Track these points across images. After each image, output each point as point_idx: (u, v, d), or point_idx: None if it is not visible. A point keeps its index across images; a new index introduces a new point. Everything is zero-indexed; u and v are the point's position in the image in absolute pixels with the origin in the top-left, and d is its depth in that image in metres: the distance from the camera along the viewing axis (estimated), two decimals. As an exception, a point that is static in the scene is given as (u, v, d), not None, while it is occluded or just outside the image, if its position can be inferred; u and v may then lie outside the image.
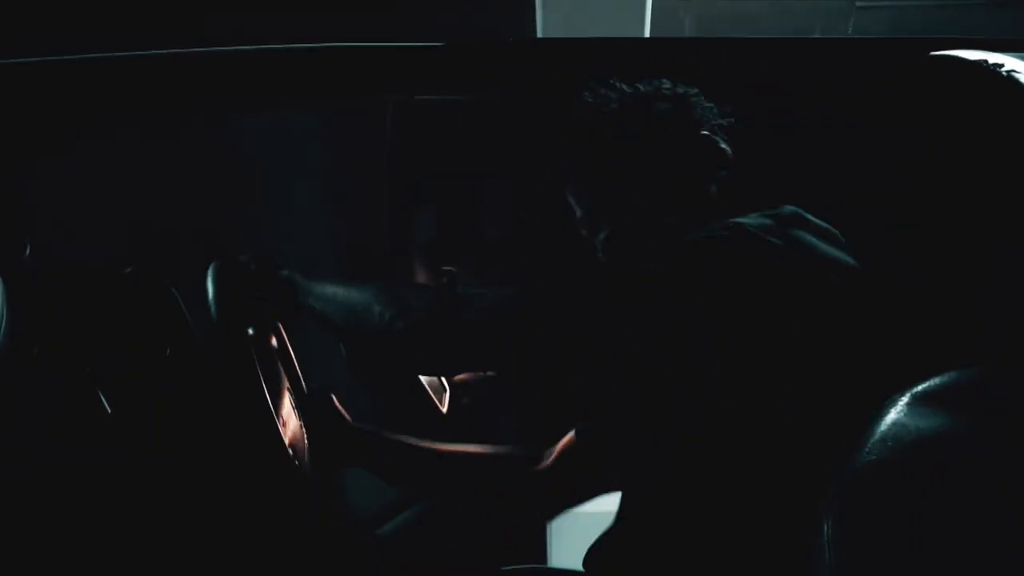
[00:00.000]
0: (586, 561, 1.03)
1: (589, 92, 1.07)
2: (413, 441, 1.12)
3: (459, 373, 1.32)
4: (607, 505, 1.06)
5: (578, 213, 1.08)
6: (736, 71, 1.32)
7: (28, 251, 1.06)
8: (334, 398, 1.14)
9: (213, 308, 1.01)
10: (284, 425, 1.02)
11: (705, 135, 1.05)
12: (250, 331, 1.05)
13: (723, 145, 1.06)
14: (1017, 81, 0.94)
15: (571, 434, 1.06)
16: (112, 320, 1.08)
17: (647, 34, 1.92)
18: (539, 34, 1.83)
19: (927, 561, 0.54)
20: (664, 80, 1.08)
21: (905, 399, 0.60)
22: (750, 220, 0.93)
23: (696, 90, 1.08)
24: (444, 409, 1.39)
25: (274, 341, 1.17)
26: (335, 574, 1.13)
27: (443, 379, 1.54)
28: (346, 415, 1.13)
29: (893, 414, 0.59)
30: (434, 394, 1.44)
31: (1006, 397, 0.58)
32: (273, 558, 1.02)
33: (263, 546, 1.02)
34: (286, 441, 0.99)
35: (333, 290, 1.11)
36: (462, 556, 1.31)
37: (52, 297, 1.03)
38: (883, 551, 0.56)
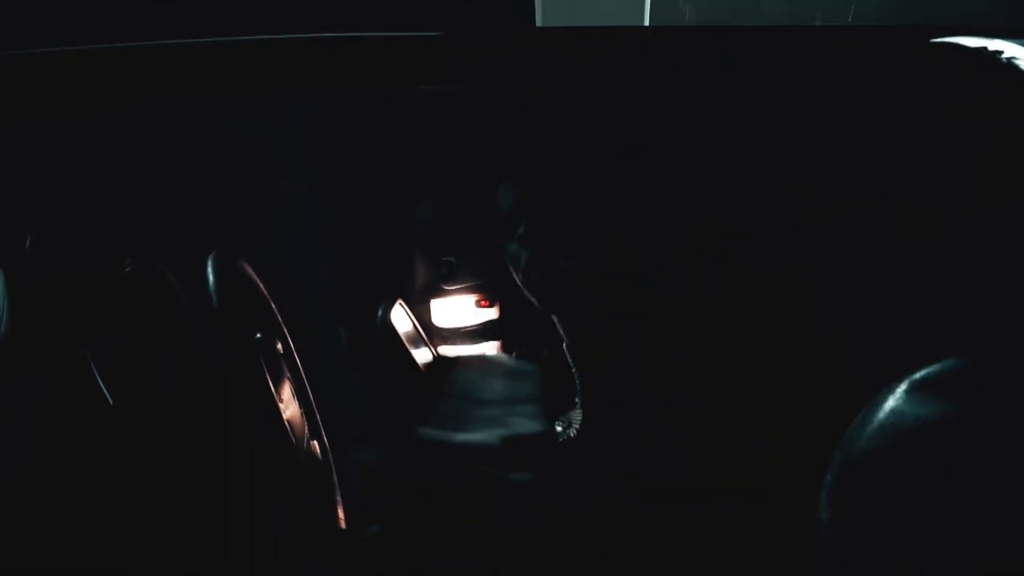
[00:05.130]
0: None
1: None
2: None
3: None
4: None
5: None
6: (736, 59, 1.31)
7: (29, 242, 1.06)
8: None
9: (214, 297, 1.02)
10: (284, 407, 1.03)
11: None
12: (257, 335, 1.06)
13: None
14: (1017, 68, 0.94)
15: None
16: (114, 313, 1.08)
17: (647, 22, 1.92)
18: (538, 23, 1.82)
19: (927, 548, 0.54)
20: None
21: (903, 386, 0.60)
22: None
23: None
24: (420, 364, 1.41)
25: (279, 346, 1.18)
26: (335, 563, 1.14)
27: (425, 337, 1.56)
28: None
29: (891, 401, 0.59)
30: (409, 344, 1.46)
31: (1005, 383, 0.58)
32: (272, 547, 1.02)
33: (263, 536, 1.03)
34: (286, 422, 1.00)
35: None
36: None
37: (54, 290, 1.04)
38: (883, 538, 0.56)
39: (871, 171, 1.21)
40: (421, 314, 1.67)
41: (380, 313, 1.55)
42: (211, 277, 1.02)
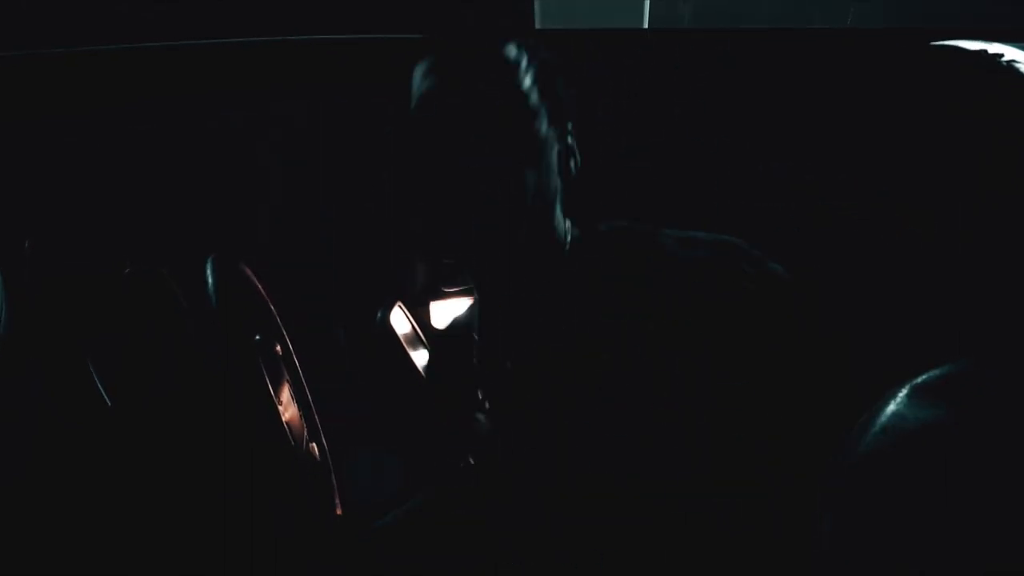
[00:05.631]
0: None
1: None
2: None
3: None
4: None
5: None
6: (736, 60, 1.31)
7: (28, 243, 1.06)
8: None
9: (214, 299, 1.02)
10: (283, 409, 1.03)
11: None
12: (257, 337, 1.06)
13: None
14: (1017, 71, 0.94)
15: None
16: (114, 314, 1.08)
17: (646, 25, 1.92)
18: (537, 25, 1.82)
19: (928, 551, 0.54)
20: None
21: (905, 391, 0.60)
22: None
23: None
24: (420, 368, 1.39)
25: (279, 348, 1.18)
26: (336, 562, 1.14)
27: (421, 333, 1.54)
28: None
29: (893, 406, 0.59)
30: (408, 346, 1.44)
31: (1006, 386, 0.58)
32: (272, 547, 1.02)
33: (263, 536, 1.03)
34: (285, 423, 1.00)
35: None
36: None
37: (54, 290, 1.04)
38: (884, 542, 0.56)
39: (871, 171, 1.21)
40: (420, 316, 1.67)
41: (379, 315, 1.55)
42: (211, 279, 1.02)
